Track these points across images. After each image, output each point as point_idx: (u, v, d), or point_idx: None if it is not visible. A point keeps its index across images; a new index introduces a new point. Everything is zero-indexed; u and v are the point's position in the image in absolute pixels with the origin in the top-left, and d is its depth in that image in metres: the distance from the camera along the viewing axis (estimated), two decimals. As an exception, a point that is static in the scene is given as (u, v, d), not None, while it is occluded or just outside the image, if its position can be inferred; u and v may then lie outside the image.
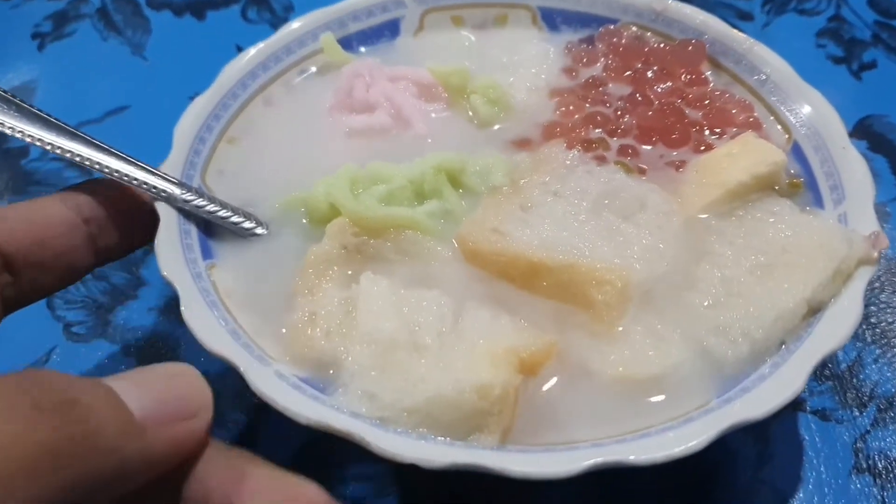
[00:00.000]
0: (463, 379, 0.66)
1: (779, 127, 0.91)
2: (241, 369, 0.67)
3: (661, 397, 0.70)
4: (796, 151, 0.89)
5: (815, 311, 0.74)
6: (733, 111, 0.92)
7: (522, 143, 0.91)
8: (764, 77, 0.94)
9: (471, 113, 0.95)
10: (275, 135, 0.93)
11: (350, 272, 0.77)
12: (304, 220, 0.84)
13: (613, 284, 0.73)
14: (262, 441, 0.84)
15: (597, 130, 0.91)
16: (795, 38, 1.29)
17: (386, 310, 0.70)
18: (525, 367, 0.68)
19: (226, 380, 0.87)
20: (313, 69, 1.00)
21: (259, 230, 0.83)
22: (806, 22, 1.32)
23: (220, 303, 0.74)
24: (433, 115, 0.94)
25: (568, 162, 0.85)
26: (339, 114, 0.94)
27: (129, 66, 1.26)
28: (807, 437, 0.84)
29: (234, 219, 0.82)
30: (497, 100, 0.94)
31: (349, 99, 0.94)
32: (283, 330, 0.74)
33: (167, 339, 0.93)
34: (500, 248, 0.77)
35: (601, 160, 0.87)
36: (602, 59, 0.99)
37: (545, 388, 0.70)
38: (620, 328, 0.73)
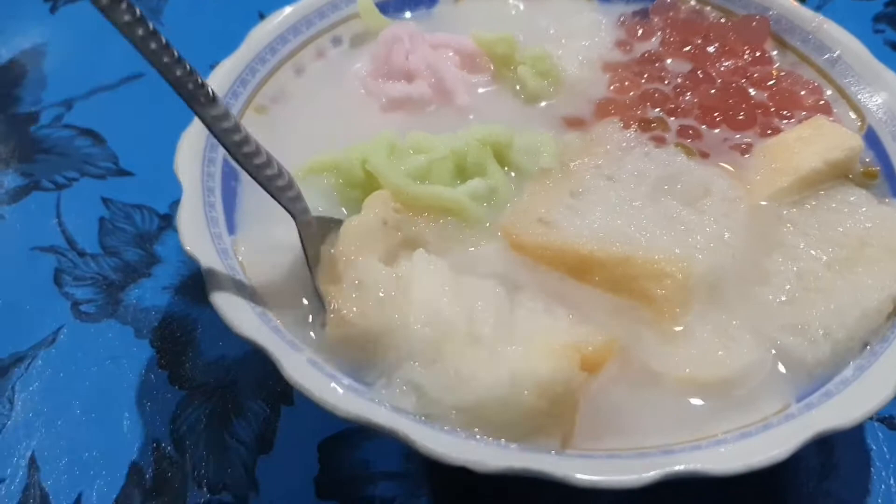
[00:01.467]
0: (520, 375, 0.59)
1: (851, 113, 0.85)
2: (275, 356, 0.60)
3: (734, 401, 0.64)
4: (870, 137, 0.82)
5: (901, 310, 0.68)
6: (801, 93, 0.85)
7: (574, 122, 0.84)
8: (834, 57, 0.87)
9: (518, 86, 0.88)
10: (306, 104, 0.87)
11: (390, 250, 0.70)
12: (335, 193, 0.77)
13: (674, 277, 0.67)
14: (282, 433, 0.78)
15: (655, 109, 0.84)
16: (851, 23, 1.19)
17: (445, 291, 0.63)
18: (587, 365, 0.62)
19: (244, 367, 0.82)
20: (348, 35, 0.93)
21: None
22: (862, 6, 1.25)
23: (247, 282, 0.68)
24: (479, 89, 0.87)
25: (624, 143, 0.79)
26: (375, 82, 0.88)
27: (146, 32, 1.19)
28: (874, 447, 0.78)
29: (268, 171, 0.73)
30: (547, 72, 0.87)
31: (386, 66, 0.87)
32: (327, 298, 0.65)
33: (183, 321, 0.86)
34: (546, 240, 0.71)
35: (660, 141, 0.81)
36: (658, 34, 0.92)
37: (607, 389, 0.64)
38: (682, 326, 0.67)
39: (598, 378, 0.63)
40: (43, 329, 0.85)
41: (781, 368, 0.66)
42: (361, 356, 0.63)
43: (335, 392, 0.59)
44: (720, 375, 0.64)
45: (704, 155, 0.80)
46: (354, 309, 0.63)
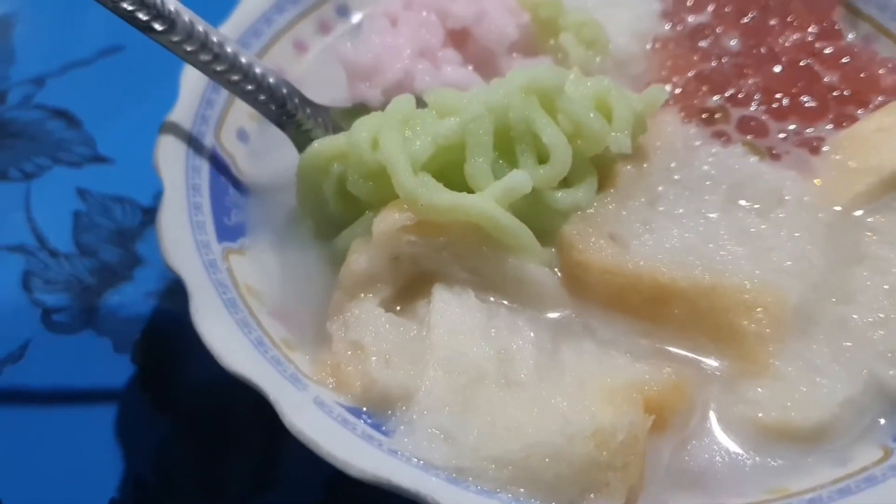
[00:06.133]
0: (574, 421, 0.51)
1: (943, 94, 0.75)
2: (272, 398, 0.52)
3: (827, 448, 0.55)
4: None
5: None
6: (879, 72, 0.75)
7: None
8: (919, 27, 0.78)
9: (560, 55, 0.77)
10: (310, 84, 0.75)
11: (404, 287, 0.61)
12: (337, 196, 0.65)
13: (768, 309, 0.57)
14: (284, 468, 0.69)
15: (714, 97, 0.74)
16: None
17: (472, 330, 0.55)
18: (652, 408, 0.53)
19: (240, 388, 0.71)
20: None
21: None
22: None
23: (240, 302, 0.59)
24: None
25: (688, 141, 0.69)
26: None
27: None
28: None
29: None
30: (593, 41, 0.76)
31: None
32: (328, 361, 0.58)
33: (169, 332, 0.78)
34: (618, 263, 0.60)
35: (722, 138, 0.71)
36: (711, 4, 0.81)
37: (675, 437, 0.55)
38: (769, 364, 0.58)
39: (665, 424, 0.54)
40: (9, 342, 0.78)
41: (878, 406, 0.57)
42: (376, 405, 0.55)
43: (347, 445, 0.50)
44: (814, 419, 0.55)
45: (775, 157, 0.71)
46: (353, 374, 0.55)
